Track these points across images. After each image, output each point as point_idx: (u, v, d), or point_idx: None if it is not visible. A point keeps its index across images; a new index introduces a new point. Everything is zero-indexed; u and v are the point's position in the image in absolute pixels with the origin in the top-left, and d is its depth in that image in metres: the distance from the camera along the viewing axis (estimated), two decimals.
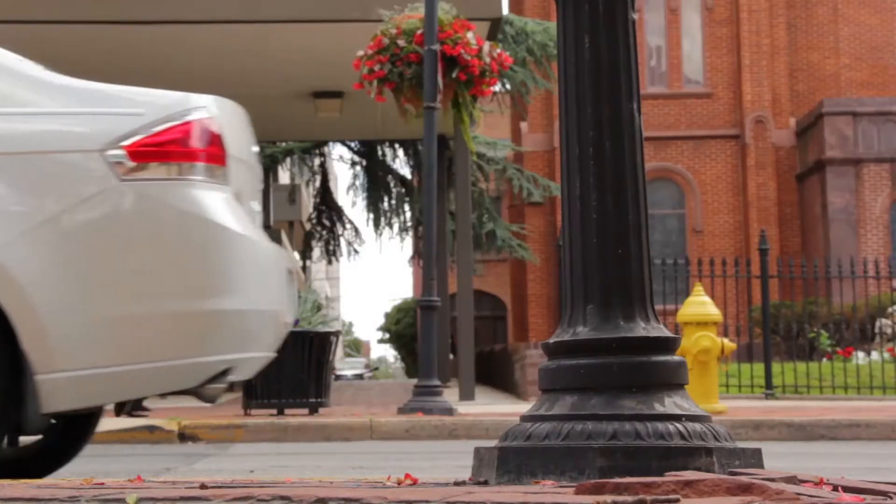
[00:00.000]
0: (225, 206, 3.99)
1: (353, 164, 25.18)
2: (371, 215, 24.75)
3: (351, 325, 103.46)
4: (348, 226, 26.89)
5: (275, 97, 16.40)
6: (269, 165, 23.89)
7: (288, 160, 25.62)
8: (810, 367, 14.78)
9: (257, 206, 4.64)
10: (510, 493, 2.36)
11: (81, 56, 14.05)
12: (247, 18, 12.89)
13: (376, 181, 24.57)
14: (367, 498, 2.28)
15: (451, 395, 11.92)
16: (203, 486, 2.63)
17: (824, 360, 15.92)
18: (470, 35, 10.88)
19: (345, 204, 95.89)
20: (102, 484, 2.81)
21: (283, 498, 2.29)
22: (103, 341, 3.81)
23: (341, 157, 26.26)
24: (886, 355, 16.31)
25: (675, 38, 31.16)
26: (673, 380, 2.91)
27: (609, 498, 2.25)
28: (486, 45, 11.05)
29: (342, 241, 26.85)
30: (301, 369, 9.84)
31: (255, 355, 4.25)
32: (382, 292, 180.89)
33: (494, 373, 18.55)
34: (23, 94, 4.01)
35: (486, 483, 2.86)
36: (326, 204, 27.01)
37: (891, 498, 2.40)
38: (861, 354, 16.07)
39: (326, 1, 12.90)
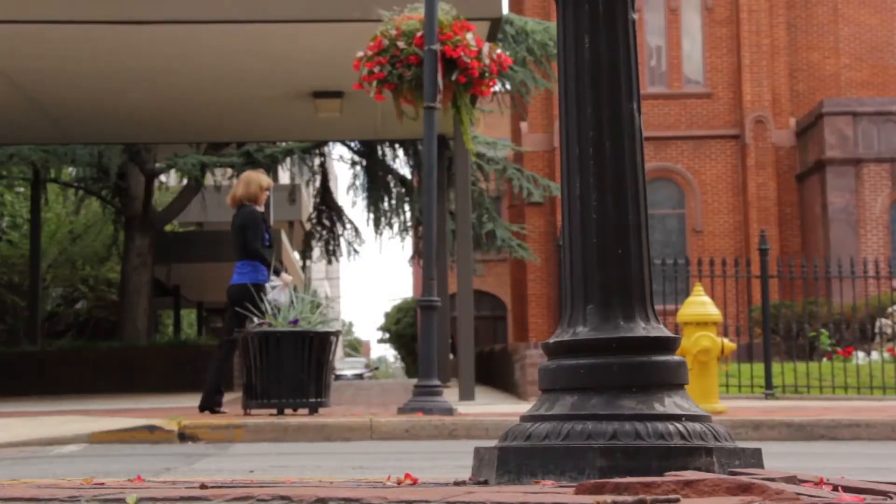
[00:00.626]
0: None
1: (353, 164, 25.19)
2: (371, 215, 24.74)
3: (351, 325, 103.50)
4: (348, 226, 26.88)
5: (275, 97, 16.40)
6: (269, 165, 23.88)
7: (288, 160, 25.60)
8: (810, 367, 14.77)
9: None
10: (510, 493, 2.35)
11: (81, 56, 14.06)
12: (247, 18, 12.88)
13: (376, 181, 24.57)
14: (367, 498, 2.28)
15: (451, 395, 11.92)
16: (203, 486, 2.63)
17: (824, 360, 15.90)
18: (469, 36, 10.86)
19: (345, 204, 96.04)
20: (102, 484, 2.81)
21: (283, 498, 2.29)
22: None
23: (341, 157, 26.29)
24: (886, 355, 16.30)
25: (675, 38, 31.15)
26: (673, 380, 2.91)
27: (609, 498, 2.25)
28: (486, 47, 11.03)
29: (342, 241, 26.84)
30: (301, 369, 9.82)
31: None
32: (382, 292, 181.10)
33: (494, 373, 18.53)
34: None
35: (486, 483, 2.86)
36: (326, 204, 27.00)
37: (891, 498, 2.40)
38: (861, 354, 16.06)
39: (326, 1, 12.89)
